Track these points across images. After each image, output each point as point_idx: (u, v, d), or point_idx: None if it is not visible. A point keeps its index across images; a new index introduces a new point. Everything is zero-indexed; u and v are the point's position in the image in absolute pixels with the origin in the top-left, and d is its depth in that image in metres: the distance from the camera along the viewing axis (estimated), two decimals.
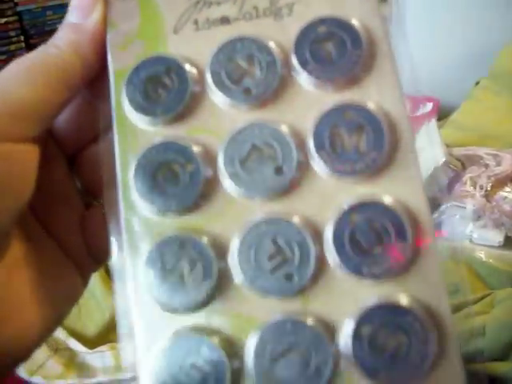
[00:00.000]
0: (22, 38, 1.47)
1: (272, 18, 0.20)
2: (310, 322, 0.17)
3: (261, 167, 0.19)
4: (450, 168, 0.65)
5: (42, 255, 0.21)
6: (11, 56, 1.46)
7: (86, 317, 0.62)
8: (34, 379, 0.57)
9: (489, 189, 0.62)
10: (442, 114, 0.88)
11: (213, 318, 0.18)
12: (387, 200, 0.18)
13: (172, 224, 0.19)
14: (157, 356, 0.17)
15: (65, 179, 0.23)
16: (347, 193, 0.18)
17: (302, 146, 0.19)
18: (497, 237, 0.58)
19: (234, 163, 0.19)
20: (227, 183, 0.19)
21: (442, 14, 0.99)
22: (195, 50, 0.21)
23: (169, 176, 0.19)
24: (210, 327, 0.18)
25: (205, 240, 0.18)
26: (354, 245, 0.18)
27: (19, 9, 1.45)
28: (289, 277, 0.18)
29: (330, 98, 0.19)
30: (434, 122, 0.72)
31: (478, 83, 0.89)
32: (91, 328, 0.62)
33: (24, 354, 0.21)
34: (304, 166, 0.19)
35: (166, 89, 0.20)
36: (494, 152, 0.69)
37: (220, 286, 0.18)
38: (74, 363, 0.58)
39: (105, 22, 0.21)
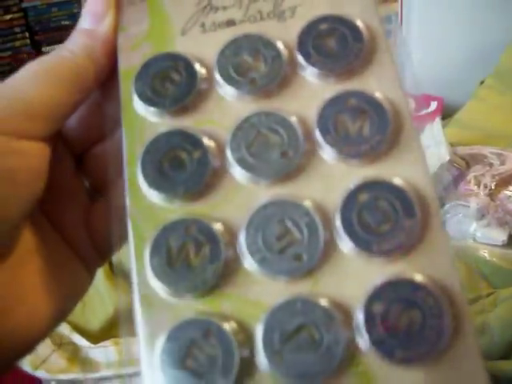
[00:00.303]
0: (27, 34, 1.47)
1: (276, 20, 0.21)
2: (320, 301, 0.17)
3: (267, 152, 0.19)
4: (454, 167, 0.65)
5: (49, 249, 0.21)
6: (16, 52, 1.46)
7: (90, 312, 0.63)
8: (37, 373, 0.57)
9: (493, 188, 0.62)
10: (447, 113, 0.88)
11: (220, 302, 0.18)
12: (393, 179, 0.18)
13: (179, 211, 0.19)
14: (162, 342, 0.17)
15: (72, 177, 0.23)
16: (353, 175, 0.18)
17: (307, 131, 0.19)
18: (500, 236, 0.58)
19: (240, 149, 0.19)
20: (234, 169, 0.19)
21: (448, 15, 0.99)
22: (202, 48, 0.21)
23: (176, 163, 0.19)
24: (218, 312, 0.17)
25: (212, 223, 0.18)
26: (363, 223, 0.18)
27: (24, 5, 1.45)
28: (298, 257, 0.17)
29: (333, 89, 0.20)
30: (438, 120, 0.72)
31: (482, 82, 0.89)
32: (95, 323, 0.63)
33: (29, 346, 0.21)
34: (310, 151, 0.19)
35: (174, 83, 0.20)
36: (499, 151, 0.69)
37: (228, 269, 0.18)
38: (77, 358, 0.59)
39: (116, 27, 0.22)
